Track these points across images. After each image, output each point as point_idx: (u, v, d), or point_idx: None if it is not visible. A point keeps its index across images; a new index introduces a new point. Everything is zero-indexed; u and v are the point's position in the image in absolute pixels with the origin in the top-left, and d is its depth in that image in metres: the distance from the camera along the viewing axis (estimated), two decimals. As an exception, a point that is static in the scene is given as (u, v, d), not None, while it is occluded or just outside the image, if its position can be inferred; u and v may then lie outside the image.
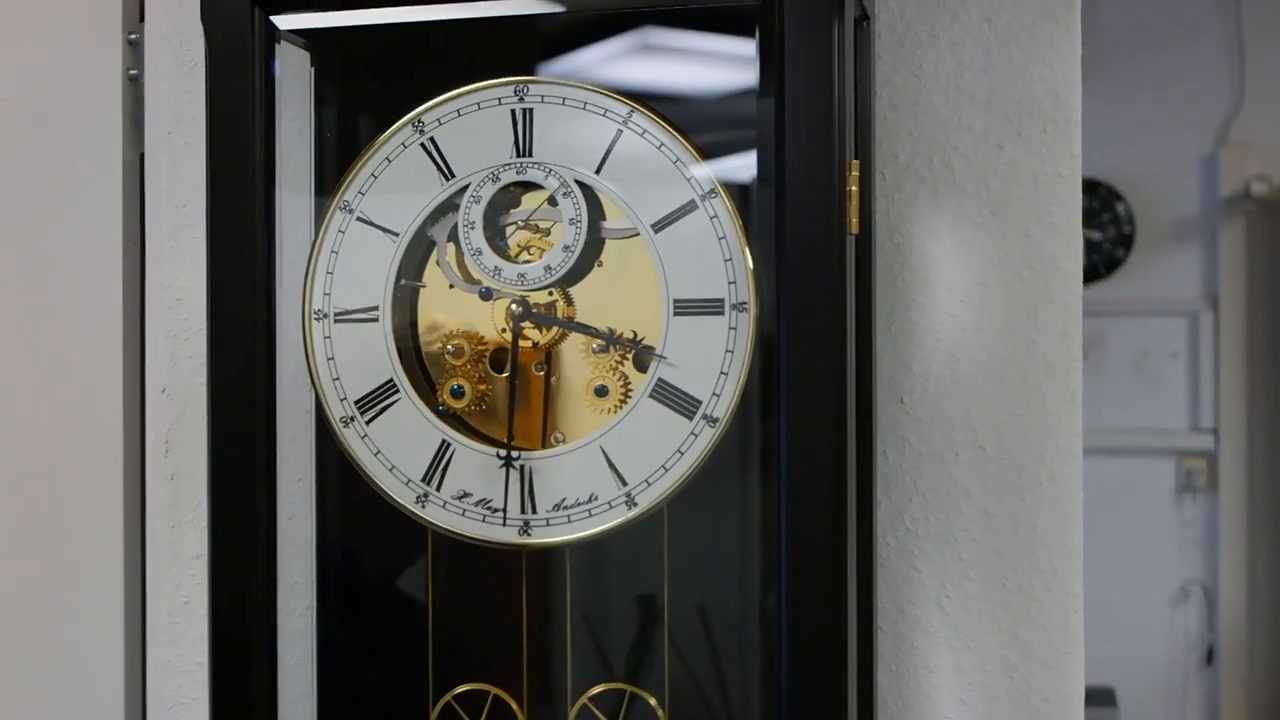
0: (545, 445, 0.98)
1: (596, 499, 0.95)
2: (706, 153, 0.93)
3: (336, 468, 1.04)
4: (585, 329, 0.96)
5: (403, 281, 0.99)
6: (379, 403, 0.99)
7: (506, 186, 0.96)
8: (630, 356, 0.96)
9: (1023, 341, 1.03)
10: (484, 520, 0.97)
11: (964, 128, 1.03)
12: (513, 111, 0.95)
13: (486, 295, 0.97)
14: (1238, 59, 3.91)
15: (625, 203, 0.94)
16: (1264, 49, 3.90)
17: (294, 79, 1.01)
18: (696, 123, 0.94)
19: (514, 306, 0.97)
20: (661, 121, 0.93)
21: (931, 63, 1.04)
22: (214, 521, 0.96)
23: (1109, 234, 4.00)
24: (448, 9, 0.96)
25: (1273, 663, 4.02)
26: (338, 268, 0.99)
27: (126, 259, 1.27)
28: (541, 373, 0.98)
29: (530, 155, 0.95)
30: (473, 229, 0.96)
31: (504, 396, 0.98)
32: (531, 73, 0.97)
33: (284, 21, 0.96)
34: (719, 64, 0.98)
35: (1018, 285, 1.03)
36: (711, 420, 0.92)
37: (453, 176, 0.97)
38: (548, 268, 0.96)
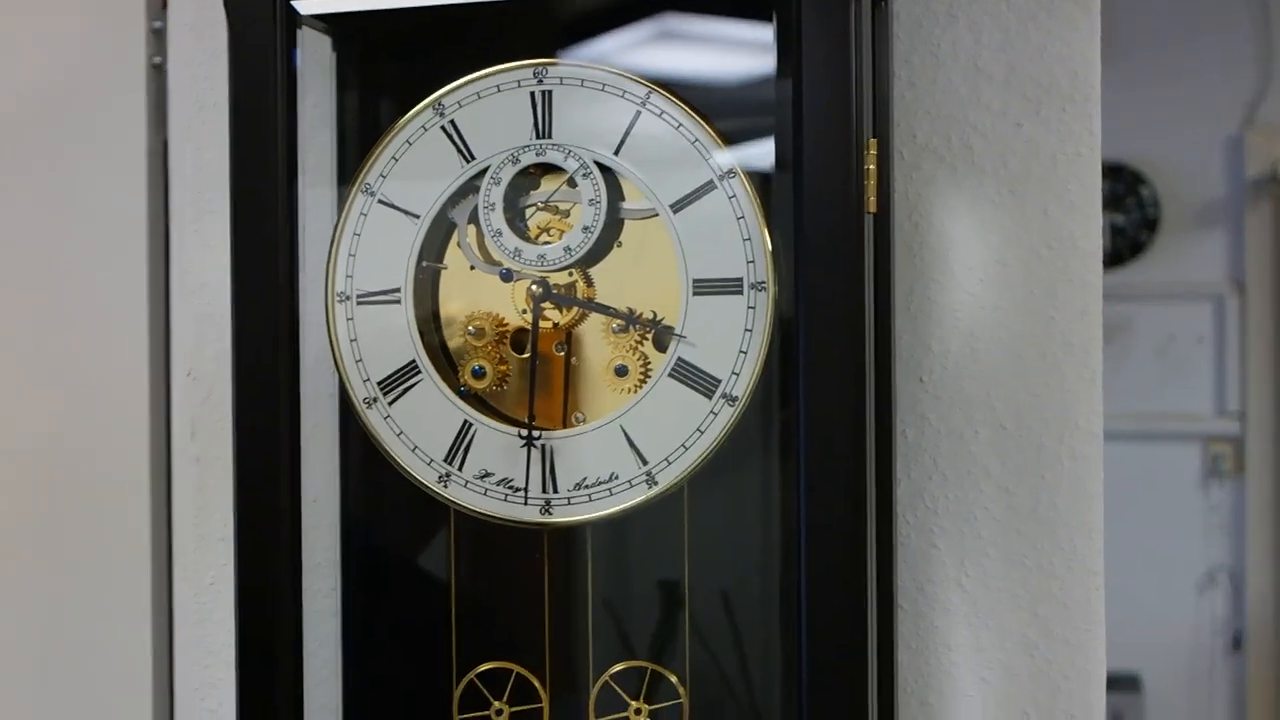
0: (566, 425, 0.98)
1: (617, 478, 0.95)
2: (724, 132, 0.93)
3: (359, 449, 1.05)
4: (605, 309, 0.97)
5: (424, 263, 0.99)
6: (401, 384, 0.99)
7: (526, 168, 0.97)
8: (650, 336, 0.96)
9: (1042, 320, 1.03)
10: (506, 500, 0.98)
11: (982, 106, 1.03)
12: (532, 94, 0.96)
13: (507, 276, 0.98)
14: (1264, 41, 3.88)
15: (644, 183, 0.94)
16: (1290, 30, 3.86)
17: (315, 64, 1.02)
18: (715, 103, 0.94)
19: (534, 287, 0.98)
20: (680, 102, 0.93)
21: (950, 42, 1.04)
22: (239, 504, 0.97)
23: (1133, 218, 3.98)
24: (467, -8, 0.97)
25: (1300, 648, 4.00)
26: (360, 250, 1.00)
27: (151, 245, 1.28)
28: (562, 353, 0.99)
29: (550, 137, 0.96)
30: (493, 211, 0.97)
31: (524, 377, 0.99)
32: (551, 57, 0.97)
33: (304, 6, 0.97)
34: (738, 45, 0.98)
35: (1036, 264, 1.03)
36: (731, 399, 0.92)
37: (473, 158, 0.97)
38: (567, 248, 0.96)
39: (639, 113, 0.94)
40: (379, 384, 1.00)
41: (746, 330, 0.92)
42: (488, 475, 0.98)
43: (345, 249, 1.00)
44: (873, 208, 0.90)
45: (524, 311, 0.99)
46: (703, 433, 0.93)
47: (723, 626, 1.02)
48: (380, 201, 0.99)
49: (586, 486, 0.96)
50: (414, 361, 0.99)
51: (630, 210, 0.96)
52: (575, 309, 0.98)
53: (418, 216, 0.99)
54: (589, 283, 0.98)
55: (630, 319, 0.96)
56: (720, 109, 0.94)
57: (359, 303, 1.00)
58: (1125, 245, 3.99)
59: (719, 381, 0.93)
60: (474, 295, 1.00)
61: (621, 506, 0.95)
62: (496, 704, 1.04)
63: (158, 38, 1.27)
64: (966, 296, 1.04)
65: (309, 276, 0.99)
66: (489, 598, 1.07)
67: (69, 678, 1.32)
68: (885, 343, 0.99)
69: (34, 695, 1.33)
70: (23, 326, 1.33)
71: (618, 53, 0.99)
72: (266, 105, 0.96)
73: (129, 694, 1.30)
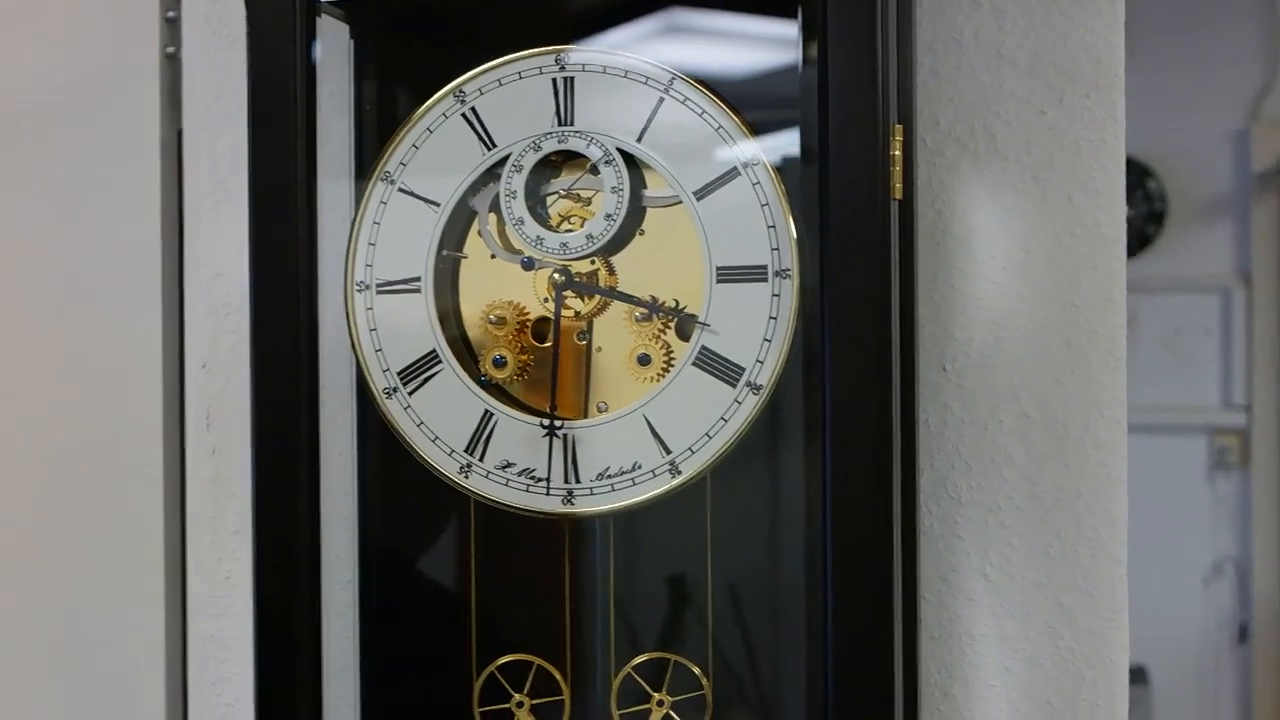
0: (588, 414, 0.98)
1: (640, 467, 0.95)
2: (749, 119, 0.92)
3: (379, 439, 1.04)
4: (628, 298, 0.96)
5: (444, 252, 0.99)
6: (421, 373, 0.99)
7: (548, 156, 0.96)
8: (673, 324, 0.95)
9: (1066, 308, 1.02)
10: (527, 490, 0.97)
11: (1006, 94, 1.03)
12: (554, 80, 0.95)
13: (529, 265, 0.97)
14: (1270, 34, 3.87)
15: (667, 170, 0.94)
16: (1297, 22, 3.85)
17: (333, 51, 1.01)
18: (738, 89, 0.94)
19: (556, 276, 0.97)
20: (703, 89, 0.93)
21: (973, 29, 1.03)
22: (258, 495, 0.97)
23: (1140, 211, 3.97)
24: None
25: (1307, 641, 3.99)
26: (379, 239, 0.99)
27: (165, 236, 1.27)
28: (584, 342, 0.98)
29: (571, 124, 0.95)
30: (514, 198, 0.96)
31: (546, 366, 0.98)
32: (571, 44, 0.96)
33: (324, -8, 0.97)
34: (762, 31, 0.97)
35: (1060, 252, 1.02)
36: (755, 387, 0.92)
37: (494, 146, 0.97)
38: (589, 236, 0.96)
39: (662, 99, 0.93)
40: (399, 374, 0.99)
41: (771, 318, 0.91)
42: (509, 466, 0.97)
43: (365, 238, 0.99)
44: (898, 194, 0.89)
45: (545, 300, 0.98)
46: (726, 421, 0.92)
47: (746, 617, 1.01)
48: (400, 190, 0.98)
49: (609, 476, 0.95)
50: (434, 351, 0.99)
51: (653, 198, 0.96)
52: (597, 297, 0.97)
53: (438, 205, 0.98)
54: (611, 271, 0.97)
55: (653, 307, 0.96)
56: (744, 96, 0.94)
57: (379, 292, 0.99)
58: (1132, 238, 3.97)
59: (743, 369, 0.92)
60: (495, 284, 0.99)
61: (645, 496, 0.95)
62: (517, 696, 1.03)
63: (171, 27, 1.26)
64: (990, 284, 1.03)
65: (328, 266, 0.99)
66: (509, 589, 1.07)
67: (83, 672, 1.31)
68: (909, 331, 0.98)
69: (49, 689, 1.32)
70: (35, 317, 1.32)
71: (638, 41, 0.98)
72: (286, 93, 0.95)
73: (143, 688, 1.29)
